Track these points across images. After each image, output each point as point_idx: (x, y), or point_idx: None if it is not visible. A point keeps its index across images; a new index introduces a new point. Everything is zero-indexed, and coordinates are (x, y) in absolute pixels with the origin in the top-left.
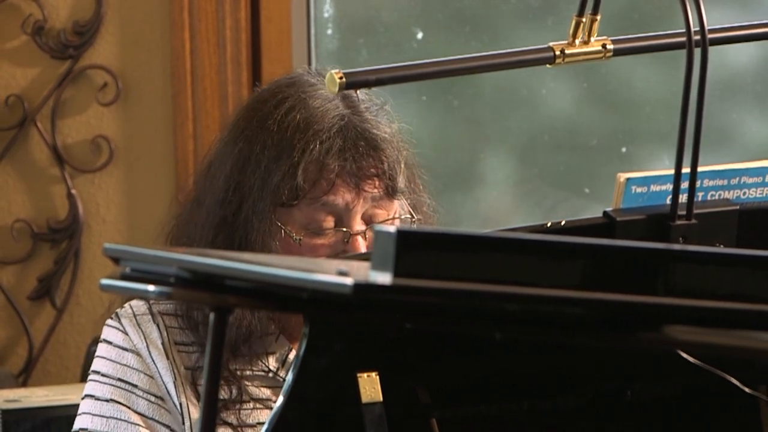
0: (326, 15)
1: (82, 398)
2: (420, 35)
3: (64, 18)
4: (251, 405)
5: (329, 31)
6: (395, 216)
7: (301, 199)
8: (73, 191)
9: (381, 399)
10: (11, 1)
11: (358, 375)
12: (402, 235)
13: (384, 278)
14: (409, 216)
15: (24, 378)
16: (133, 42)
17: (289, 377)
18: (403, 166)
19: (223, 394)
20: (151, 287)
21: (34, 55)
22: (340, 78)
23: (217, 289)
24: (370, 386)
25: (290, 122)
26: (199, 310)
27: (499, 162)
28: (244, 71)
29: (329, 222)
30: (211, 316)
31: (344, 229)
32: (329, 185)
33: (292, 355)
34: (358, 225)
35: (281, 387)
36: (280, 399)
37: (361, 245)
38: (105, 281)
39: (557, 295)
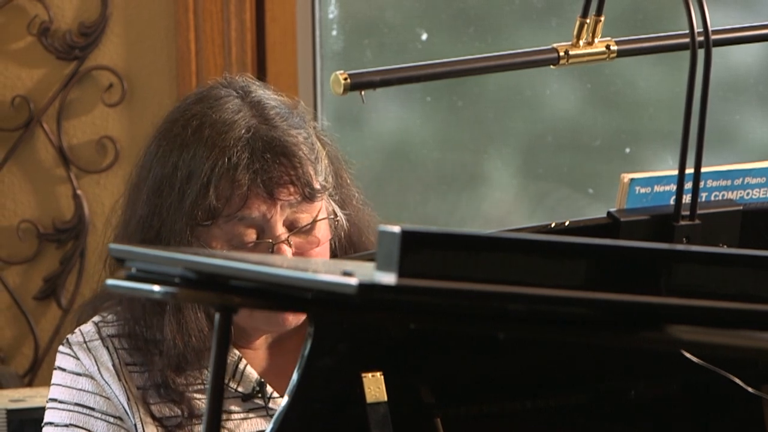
0: (331, 16)
1: (42, 426)
2: (424, 36)
3: (69, 19)
4: (201, 419)
5: (334, 32)
6: (318, 217)
7: (217, 217)
8: (79, 192)
9: (385, 399)
10: (17, 2)
11: (363, 375)
12: (406, 236)
13: (388, 278)
14: (332, 216)
15: (29, 378)
16: (138, 43)
17: (294, 377)
18: (325, 162)
19: (173, 413)
20: (156, 287)
21: (39, 56)
22: (345, 79)
23: (222, 289)
24: (374, 386)
25: (198, 141)
26: (148, 329)
27: (502, 162)
28: (249, 72)
29: (251, 235)
30: (217, 316)
31: (268, 240)
32: (242, 200)
33: (242, 365)
34: (281, 233)
35: (233, 398)
36: (285, 399)
37: (287, 252)
38: (111, 281)
39: (561, 295)
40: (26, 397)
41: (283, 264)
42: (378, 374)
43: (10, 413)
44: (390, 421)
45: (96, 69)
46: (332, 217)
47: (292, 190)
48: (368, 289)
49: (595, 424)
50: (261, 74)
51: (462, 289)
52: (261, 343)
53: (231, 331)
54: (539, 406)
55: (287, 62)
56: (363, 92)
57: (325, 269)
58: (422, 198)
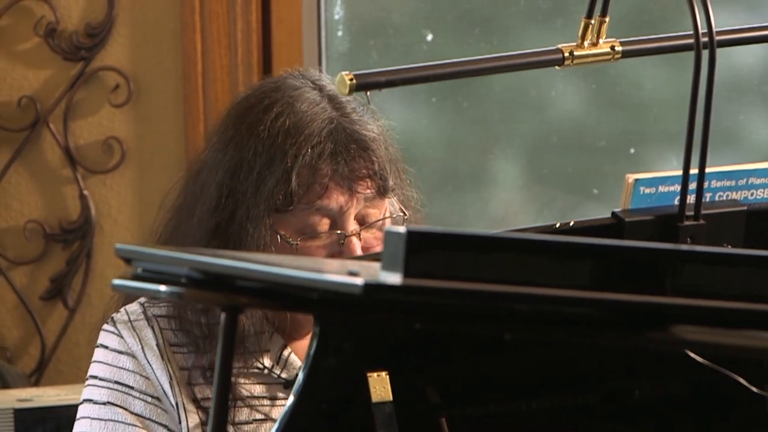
0: (337, 17)
1: (80, 403)
2: (430, 37)
3: (76, 20)
4: (244, 403)
5: (340, 33)
6: (386, 215)
7: (296, 204)
8: (85, 192)
9: (391, 398)
10: (24, 3)
11: (368, 374)
12: (412, 236)
13: (394, 278)
14: (401, 214)
15: (36, 378)
16: (144, 44)
17: (300, 376)
18: (391, 162)
19: None
20: (162, 287)
21: (46, 56)
22: (351, 80)
23: (229, 289)
24: (380, 386)
25: (280, 127)
26: (193, 312)
27: (508, 163)
28: (255, 73)
29: (324, 225)
30: (222, 316)
31: (339, 231)
32: (323, 189)
33: (286, 353)
34: (352, 226)
35: (276, 384)
36: (291, 398)
37: (356, 246)
38: (117, 281)
39: (566, 295)
40: (33, 397)
41: (289, 264)
42: (383, 374)
43: (18, 413)
44: (395, 420)
45: (102, 70)
46: (400, 215)
47: (369, 183)
48: (374, 289)
49: (600, 424)
50: (267, 75)
51: (467, 289)
52: (307, 332)
53: (236, 331)
54: (544, 407)
55: (293, 63)
56: (368, 93)
57: (330, 269)
58: (427, 198)
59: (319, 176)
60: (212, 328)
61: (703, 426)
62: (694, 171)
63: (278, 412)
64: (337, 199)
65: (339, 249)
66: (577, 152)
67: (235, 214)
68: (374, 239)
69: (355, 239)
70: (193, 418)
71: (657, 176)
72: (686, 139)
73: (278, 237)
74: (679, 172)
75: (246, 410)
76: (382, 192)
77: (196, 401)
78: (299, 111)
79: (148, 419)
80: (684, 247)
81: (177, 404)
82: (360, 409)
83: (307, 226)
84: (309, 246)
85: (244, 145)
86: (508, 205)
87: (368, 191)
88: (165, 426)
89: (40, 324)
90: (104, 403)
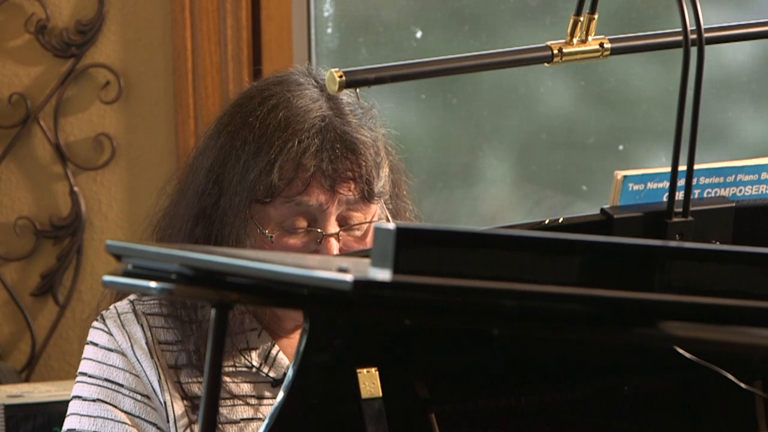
0: (326, 14)
1: (70, 399)
2: (419, 34)
3: (66, 17)
4: (232, 402)
5: (329, 30)
6: (371, 220)
7: (276, 196)
8: (76, 188)
9: (380, 394)
10: (14, 0)
11: (358, 371)
12: (401, 232)
13: (383, 275)
14: (384, 221)
15: (27, 373)
16: (135, 40)
17: (290, 372)
18: (386, 170)
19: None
20: (152, 283)
21: (37, 53)
22: (340, 77)
23: (219, 285)
24: (369, 382)
25: (272, 120)
26: (184, 309)
27: (497, 160)
28: (245, 69)
29: (302, 222)
30: (212, 312)
31: (318, 230)
32: (304, 185)
33: (274, 351)
34: (332, 227)
35: (263, 382)
36: (281, 394)
37: (334, 247)
38: (107, 278)
39: (555, 291)
40: (24, 393)
41: (280, 260)
42: (373, 370)
43: (8, 408)
44: (385, 416)
45: (93, 66)
46: (383, 221)
47: (352, 186)
48: (363, 285)
49: (589, 420)
50: (257, 72)
51: (456, 285)
52: (293, 330)
53: (227, 326)
54: (533, 402)
55: (283, 60)
56: (358, 90)
57: (320, 266)
58: (417, 195)
59: (301, 171)
60: (201, 319)
61: (691, 421)
62: (682, 168)
63: (265, 410)
64: (317, 197)
65: (316, 248)
66: (566, 149)
67: (219, 200)
68: (355, 243)
69: (333, 240)
70: (179, 406)
71: (646, 173)
72: (675, 136)
73: (257, 228)
74: (668, 169)
75: (233, 409)
76: (366, 197)
77: (184, 398)
78: (294, 106)
79: (138, 417)
80: (672, 243)
81: (165, 402)
82: (350, 405)
83: (286, 221)
84: (286, 242)
85: (236, 133)
86: (497, 202)
87: (351, 194)
88: (154, 424)
89: (30, 320)
90: (94, 401)
